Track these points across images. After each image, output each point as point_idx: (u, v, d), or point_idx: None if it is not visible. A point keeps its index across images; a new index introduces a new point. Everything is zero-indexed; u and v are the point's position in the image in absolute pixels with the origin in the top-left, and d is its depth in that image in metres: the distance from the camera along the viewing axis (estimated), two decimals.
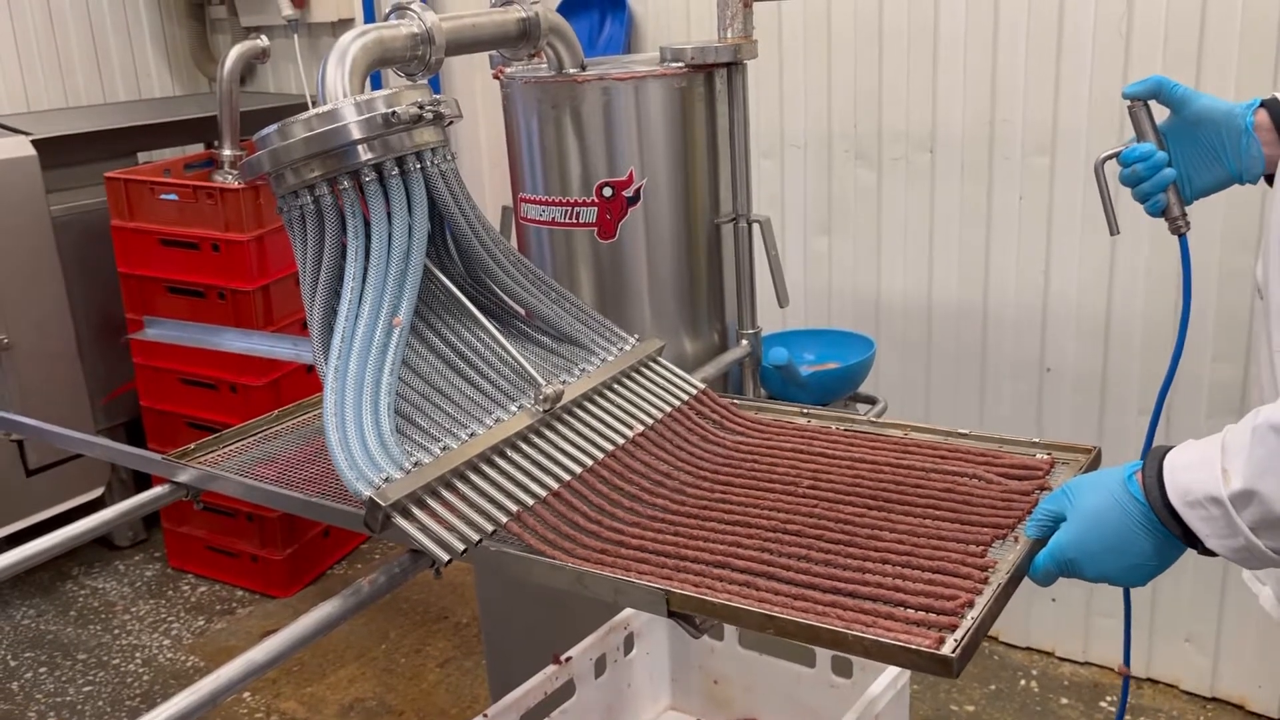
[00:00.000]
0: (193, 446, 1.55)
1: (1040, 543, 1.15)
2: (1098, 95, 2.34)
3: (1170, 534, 1.06)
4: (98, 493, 3.37)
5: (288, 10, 3.61)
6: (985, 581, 1.11)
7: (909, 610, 1.07)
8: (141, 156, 3.59)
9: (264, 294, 3.04)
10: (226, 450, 1.57)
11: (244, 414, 3.11)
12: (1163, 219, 1.44)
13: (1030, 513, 1.22)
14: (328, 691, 2.81)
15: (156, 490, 1.48)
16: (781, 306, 2.02)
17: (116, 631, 3.13)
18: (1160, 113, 1.43)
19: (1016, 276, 2.53)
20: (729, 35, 1.87)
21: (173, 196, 3.07)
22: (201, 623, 3.16)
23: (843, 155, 2.71)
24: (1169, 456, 1.06)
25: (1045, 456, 1.37)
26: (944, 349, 2.67)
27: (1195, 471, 1.03)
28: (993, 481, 1.32)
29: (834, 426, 1.53)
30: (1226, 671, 2.49)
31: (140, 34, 4.02)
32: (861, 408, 2.18)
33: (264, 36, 3.20)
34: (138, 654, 3.02)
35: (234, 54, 3.14)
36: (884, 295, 2.73)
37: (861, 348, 2.19)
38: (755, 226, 1.97)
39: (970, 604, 1.07)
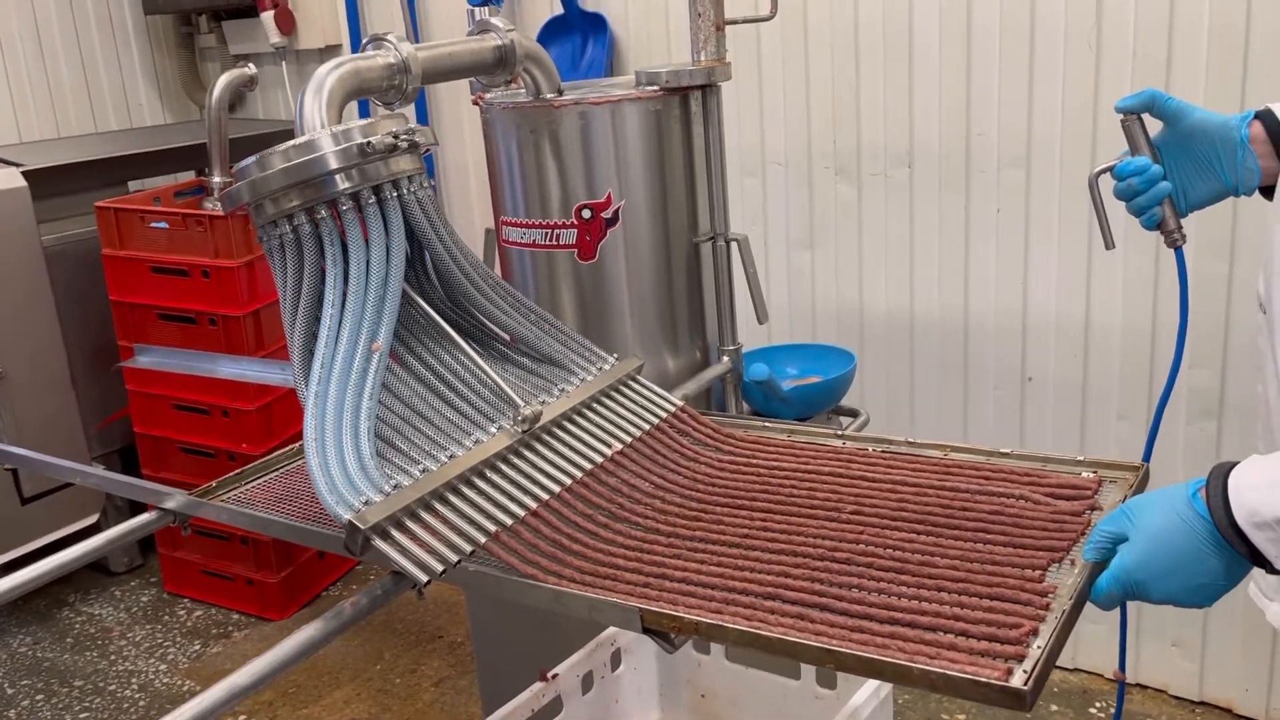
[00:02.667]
0: (214, 484, 1.53)
1: (1099, 566, 1.12)
2: (1070, 108, 2.37)
3: (1237, 553, 1.03)
4: (92, 519, 3.38)
5: (275, 37, 3.65)
6: (1047, 608, 1.09)
7: (972, 640, 1.04)
8: (133, 185, 3.62)
9: (254, 319, 3.07)
10: (249, 488, 1.56)
11: (236, 439, 3.14)
12: (1158, 232, 1.43)
13: (1084, 534, 1.20)
14: (324, 713, 2.83)
15: (145, 517, 1.50)
16: (760, 323, 2.05)
17: (113, 657, 3.15)
18: (1152, 126, 1.42)
19: (996, 288, 2.56)
20: (702, 58, 1.90)
21: (163, 225, 3.10)
22: (198, 647, 3.17)
23: (823, 172, 2.75)
24: (1234, 475, 1.04)
25: (1091, 475, 1.34)
26: (927, 360, 2.70)
27: (1263, 492, 1.01)
28: (1041, 502, 1.29)
29: (870, 449, 1.50)
30: (1213, 675, 2.51)
31: (130, 63, 4.06)
32: (844, 420, 2.20)
33: (251, 65, 3.23)
34: (134, 679, 3.04)
35: (221, 82, 3.17)
36: (866, 308, 2.76)
37: (842, 361, 2.22)
38: (733, 245, 2.00)
39: (1035, 632, 1.04)
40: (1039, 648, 1.02)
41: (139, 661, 3.12)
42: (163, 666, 3.08)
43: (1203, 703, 2.55)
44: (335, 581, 3.44)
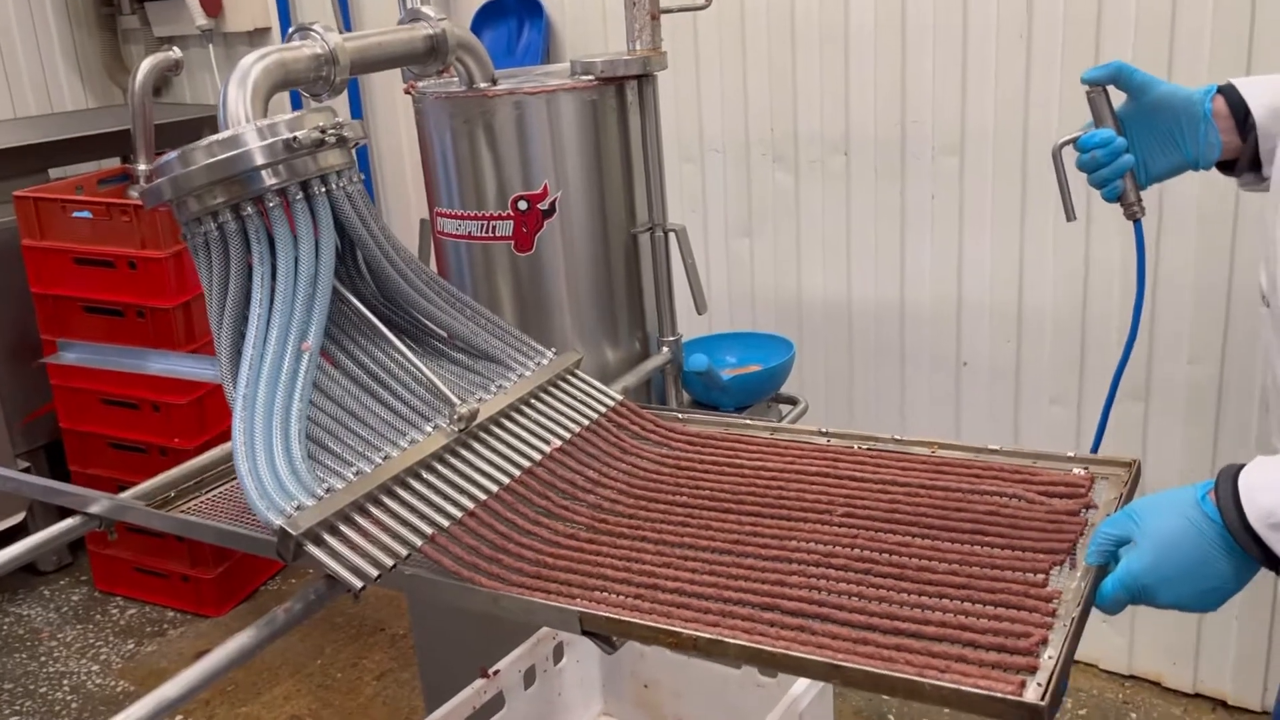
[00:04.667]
0: (173, 494, 1.48)
1: (1101, 568, 1.09)
2: (1002, 96, 2.40)
3: (1249, 556, 1.01)
4: (19, 518, 3.29)
5: (201, 20, 3.54)
6: (1053, 614, 1.06)
7: (981, 651, 1.01)
8: (54, 173, 3.50)
9: (184, 311, 3.00)
10: (207, 497, 1.51)
11: (168, 434, 3.07)
12: (1118, 205, 1.42)
13: (1083, 535, 1.18)
14: (263, 710, 2.79)
15: (68, 522, 1.46)
16: (699, 314, 2.05)
17: (43, 659, 3.07)
18: (1116, 98, 1.41)
19: (931, 274, 2.59)
20: (638, 47, 1.88)
21: (86, 214, 3.00)
22: (131, 646, 3.10)
23: (760, 159, 2.75)
24: (1244, 477, 1.02)
25: (1083, 472, 1.32)
26: (864, 347, 2.73)
27: (1276, 493, 0.99)
28: (1035, 501, 1.27)
29: (856, 446, 1.46)
30: (1142, 651, 2.58)
31: (50, 45, 3.92)
32: (783, 409, 2.22)
33: (176, 48, 3.12)
34: (65, 681, 2.96)
35: (144, 66, 3.05)
36: (805, 295, 2.78)
37: (781, 350, 2.23)
38: (672, 235, 2.00)
39: (1044, 641, 1.02)
40: (1050, 658, 0.99)
41: (70, 663, 3.04)
42: (95, 667, 3.01)
43: (1132, 676, 2.62)
44: (274, 576, 3.38)
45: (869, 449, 1.45)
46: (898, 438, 1.46)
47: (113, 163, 3.59)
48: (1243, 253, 2.23)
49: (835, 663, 1.01)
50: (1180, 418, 2.37)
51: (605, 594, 1.17)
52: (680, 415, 1.63)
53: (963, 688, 0.95)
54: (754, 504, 1.32)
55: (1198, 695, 2.54)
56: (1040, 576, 1.12)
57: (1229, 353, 2.30)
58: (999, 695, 0.95)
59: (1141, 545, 1.05)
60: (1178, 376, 2.34)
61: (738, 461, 1.44)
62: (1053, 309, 2.47)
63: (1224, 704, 2.51)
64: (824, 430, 1.52)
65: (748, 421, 1.59)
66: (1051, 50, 2.32)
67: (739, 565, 1.20)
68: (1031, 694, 0.95)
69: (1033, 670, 0.98)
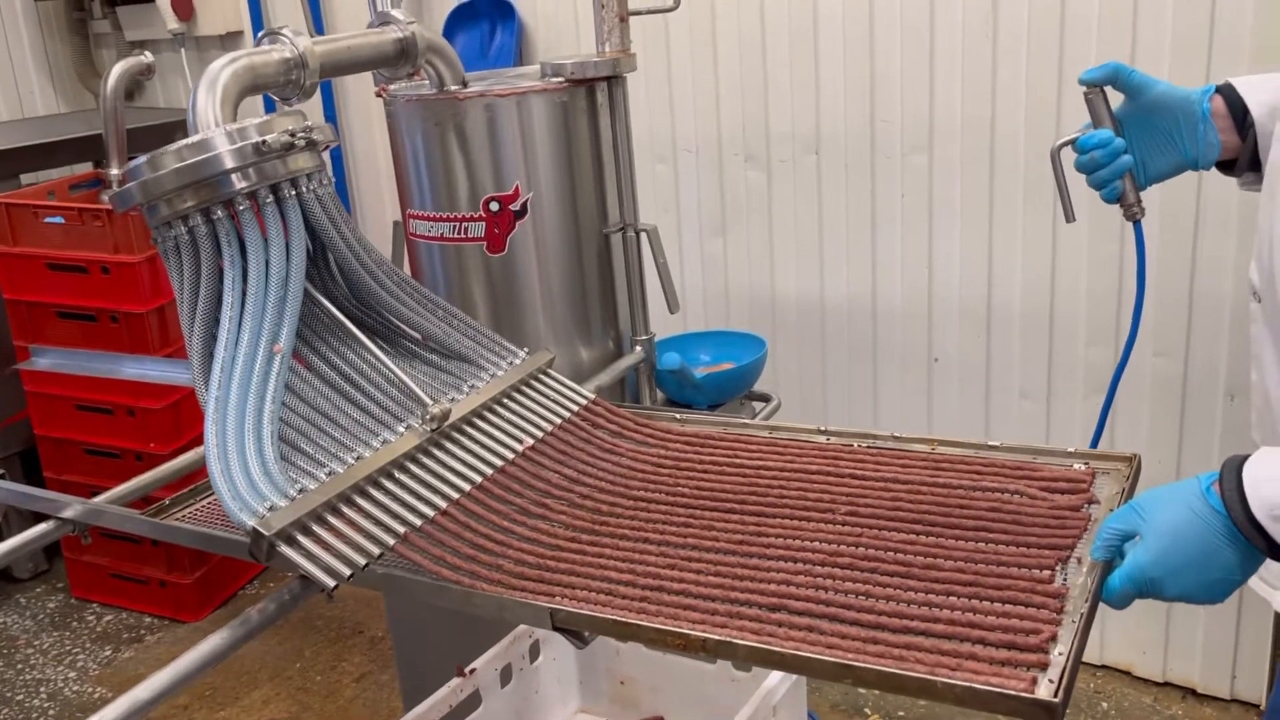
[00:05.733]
0: (168, 502, 1.47)
1: (1107, 564, 1.10)
2: (969, 94, 2.43)
3: (1254, 547, 1.02)
4: None
5: (173, 24, 3.54)
6: (1061, 610, 1.07)
7: (991, 649, 1.02)
8: (25, 178, 3.48)
9: (158, 315, 2.99)
10: (201, 505, 1.50)
11: (143, 439, 3.06)
12: (1117, 205, 1.42)
13: (1086, 530, 1.19)
14: (242, 714, 2.78)
15: (41, 527, 1.46)
16: (671, 312, 2.07)
17: (19, 666, 3.05)
18: (1113, 99, 1.41)
19: (902, 271, 2.62)
20: (607, 49, 1.90)
21: (58, 219, 2.99)
22: (108, 653, 3.09)
23: (733, 158, 2.77)
24: (1248, 468, 1.02)
25: (1084, 467, 1.33)
26: (837, 344, 2.75)
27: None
28: (1037, 497, 1.27)
29: (855, 444, 1.46)
30: (1113, 641, 2.62)
31: (21, 50, 3.90)
32: (757, 406, 2.24)
33: (147, 53, 3.11)
34: (42, 688, 2.95)
35: (115, 71, 3.03)
36: (778, 294, 2.80)
37: (754, 347, 2.25)
38: (644, 235, 2.01)
39: (1054, 637, 1.02)
40: (1061, 654, 1.00)
41: (47, 670, 3.03)
42: (72, 674, 3.00)
43: (1103, 666, 2.66)
44: (252, 580, 3.38)
45: (868, 447, 1.45)
46: (897, 435, 1.46)
47: (85, 168, 3.57)
48: (1205, 248, 2.27)
49: (846, 662, 1.01)
50: (1146, 409, 2.41)
51: (610, 596, 1.17)
52: (679, 416, 1.61)
53: (975, 685, 0.96)
54: (757, 504, 1.32)
55: (1167, 684, 2.58)
56: (1046, 573, 1.12)
57: (1193, 345, 2.33)
58: (1011, 692, 0.95)
59: (1147, 539, 1.05)
60: (1144, 369, 2.38)
61: (738, 461, 1.44)
62: (1021, 304, 2.50)
63: (1193, 692, 2.55)
64: (823, 428, 1.51)
65: (747, 421, 1.59)
66: (1017, 47, 2.35)
67: (744, 566, 1.19)
68: (1044, 690, 0.96)
69: (1044, 667, 0.99)
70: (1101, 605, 1.08)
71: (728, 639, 1.07)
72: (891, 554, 1.18)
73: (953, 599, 1.10)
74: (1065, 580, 1.12)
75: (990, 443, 1.41)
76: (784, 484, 1.36)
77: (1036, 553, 1.17)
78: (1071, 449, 1.36)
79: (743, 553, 1.22)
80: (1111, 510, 1.17)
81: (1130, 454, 1.34)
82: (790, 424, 1.56)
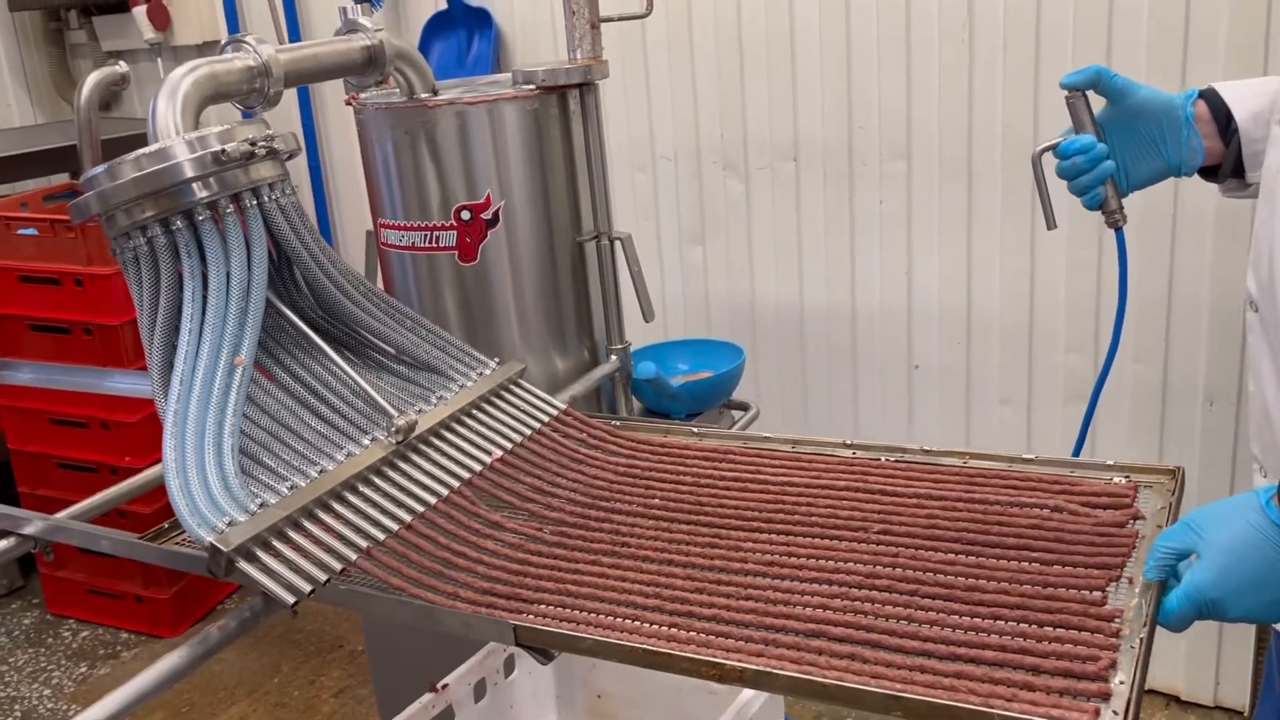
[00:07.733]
0: (166, 525, 1.42)
1: (1161, 584, 1.05)
2: (946, 101, 2.42)
3: None
4: None
5: (149, 33, 3.51)
6: (1117, 634, 1.01)
7: (1046, 677, 0.96)
8: (1, 189, 3.46)
9: (132, 328, 2.92)
10: None
11: (119, 452, 3.03)
12: (1098, 212, 1.39)
13: (1134, 547, 1.14)
14: None
15: (1, 544, 1.43)
16: (646, 321, 2.05)
17: None
18: (1095, 104, 1.38)
19: (881, 278, 2.61)
20: (579, 56, 1.88)
21: (31, 231, 2.96)
22: (84, 669, 3.05)
23: (711, 166, 2.76)
24: None
25: (1125, 480, 1.28)
26: (817, 352, 2.74)
27: None
28: (1079, 513, 1.21)
29: (884, 458, 1.40)
30: None
31: None
32: (735, 414, 2.22)
33: (122, 63, 3.09)
34: (16, 706, 2.91)
35: (90, 81, 3.00)
36: (758, 301, 2.79)
37: (732, 356, 2.23)
38: (618, 244, 1.99)
39: (1113, 665, 0.97)
40: (1123, 683, 0.95)
41: (21, 687, 2.99)
42: (47, 691, 2.96)
43: None
44: (230, 595, 3.34)
45: (897, 461, 1.39)
46: (926, 448, 1.40)
47: (61, 178, 3.54)
48: (1183, 254, 2.26)
49: (894, 694, 0.95)
50: (1126, 415, 2.40)
51: (637, 622, 1.12)
52: (695, 430, 1.56)
53: (1035, 719, 0.91)
54: (784, 522, 1.27)
55: (1151, 691, 2.56)
56: (1098, 594, 1.07)
57: (1172, 351, 2.33)
58: None
59: (1206, 557, 1.01)
60: (1124, 375, 2.37)
61: (761, 477, 1.38)
62: (1000, 311, 2.49)
63: (1177, 699, 2.53)
64: (849, 442, 1.45)
65: (768, 435, 1.53)
66: (993, 54, 2.34)
67: (777, 589, 1.13)
68: None
69: (1105, 697, 0.94)
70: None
71: (766, 669, 1.01)
72: (931, 575, 1.12)
73: (1000, 623, 1.04)
74: (1117, 602, 1.06)
75: (1025, 455, 1.36)
76: (811, 501, 1.30)
77: (1085, 573, 1.11)
78: (1111, 461, 1.30)
79: (774, 574, 1.16)
80: (1159, 527, 1.13)
81: (1173, 466, 1.28)
82: (815, 438, 1.49)
